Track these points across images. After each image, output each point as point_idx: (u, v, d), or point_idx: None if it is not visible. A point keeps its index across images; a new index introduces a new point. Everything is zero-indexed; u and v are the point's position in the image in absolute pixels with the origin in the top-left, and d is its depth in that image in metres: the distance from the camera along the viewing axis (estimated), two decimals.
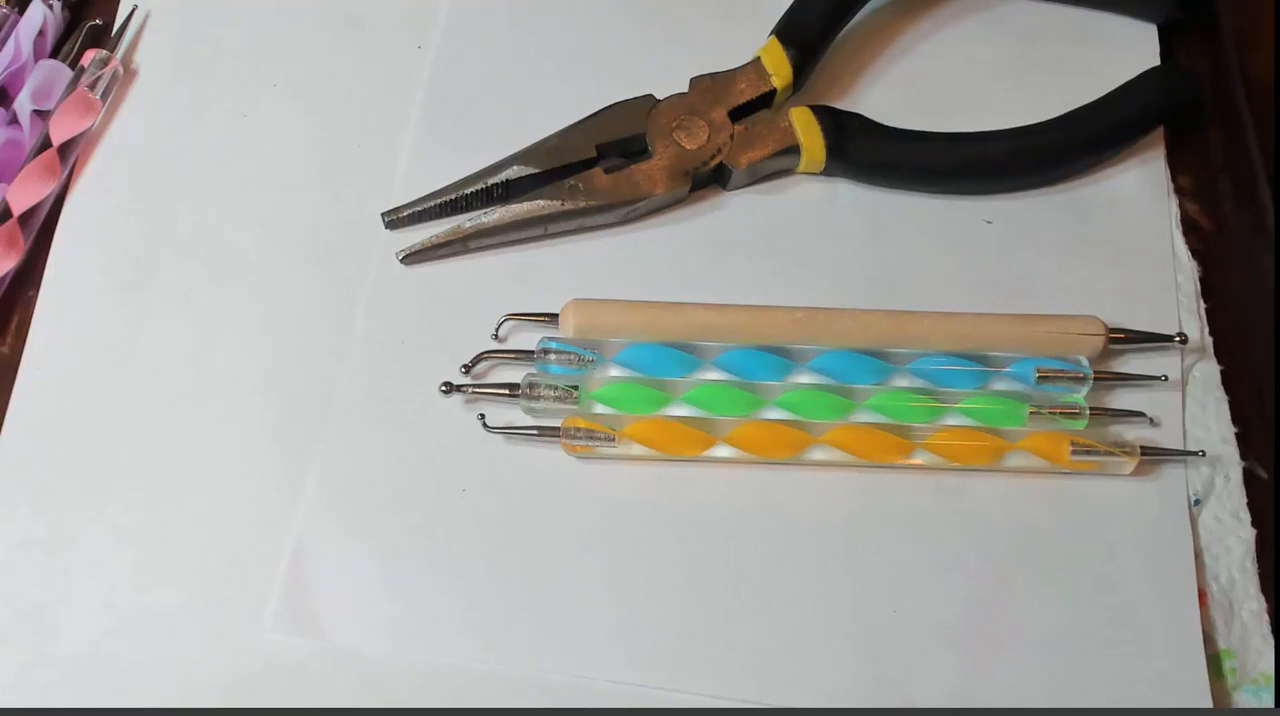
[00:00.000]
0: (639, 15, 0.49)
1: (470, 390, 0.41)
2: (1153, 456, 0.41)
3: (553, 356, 0.41)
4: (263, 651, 0.38)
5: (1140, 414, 0.42)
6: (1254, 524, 0.42)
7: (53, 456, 0.41)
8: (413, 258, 0.44)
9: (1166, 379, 0.42)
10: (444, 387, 0.41)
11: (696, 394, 0.41)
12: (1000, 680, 0.39)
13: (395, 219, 0.44)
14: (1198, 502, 0.42)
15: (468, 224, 0.44)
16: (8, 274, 0.43)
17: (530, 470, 0.41)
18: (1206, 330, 0.45)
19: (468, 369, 0.41)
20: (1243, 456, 0.43)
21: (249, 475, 0.40)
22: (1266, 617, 0.40)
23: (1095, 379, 0.42)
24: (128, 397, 0.41)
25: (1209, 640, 0.40)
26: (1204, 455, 0.42)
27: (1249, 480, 0.42)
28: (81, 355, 0.42)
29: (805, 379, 0.42)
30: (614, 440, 0.40)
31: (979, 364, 0.42)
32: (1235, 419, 0.43)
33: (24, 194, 0.43)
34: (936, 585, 0.40)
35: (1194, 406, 0.43)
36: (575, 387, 0.41)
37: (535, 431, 0.40)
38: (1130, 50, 0.49)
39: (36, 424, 0.41)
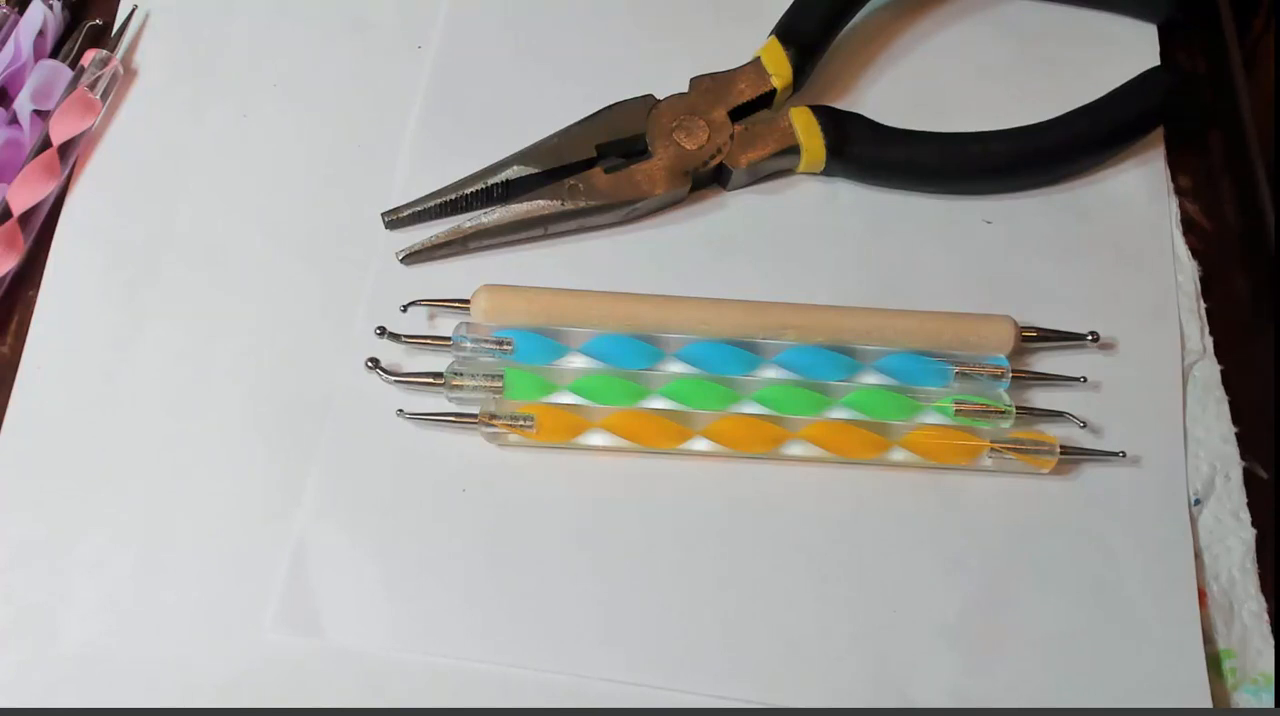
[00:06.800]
0: (639, 15, 0.49)
1: (394, 380, 0.41)
2: (1072, 456, 0.41)
3: (469, 344, 0.41)
4: (263, 651, 0.38)
5: (1062, 413, 0.42)
6: (1254, 524, 0.42)
7: (53, 456, 0.40)
8: (413, 258, 0.44)
9: (1085, 380, 0.42)
10: (370, 363, 0.41)
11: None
12: (1000, 680, 0.39)
13: (395, 219, 0.44)
14: (1198, 502, 0.42)
15: (468, 224, 0.44)
16: (8, 274, 0.43)
17: (530, 470, 0.41)
18: (1206, 330, 0.45)
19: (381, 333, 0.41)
20: (1243, 456, 0.43)
21: (249, 474, 0.40)
22: (1266, 617, 0.40)
23: (1014, 377, 0.42)
24: (128, 397, 0.41)
25: (1209, 640, 0.40)
26: (1124, 456, 0.41)
27: (1249, 480, 0.42)
28: (81, 355, 0.42)
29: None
30: (532, 422, 0.40)
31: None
32: (1235, 419, 0.43)
33: (24, 194, 0.43)
34: (936, 585, 0.40)
35: (1194, 406, 0.43)
36: (499, 376, 0.41)
37: (452, 417, 0.40)
38: (1130, 50, 0.49)
39: (36, 424, 0.41)
